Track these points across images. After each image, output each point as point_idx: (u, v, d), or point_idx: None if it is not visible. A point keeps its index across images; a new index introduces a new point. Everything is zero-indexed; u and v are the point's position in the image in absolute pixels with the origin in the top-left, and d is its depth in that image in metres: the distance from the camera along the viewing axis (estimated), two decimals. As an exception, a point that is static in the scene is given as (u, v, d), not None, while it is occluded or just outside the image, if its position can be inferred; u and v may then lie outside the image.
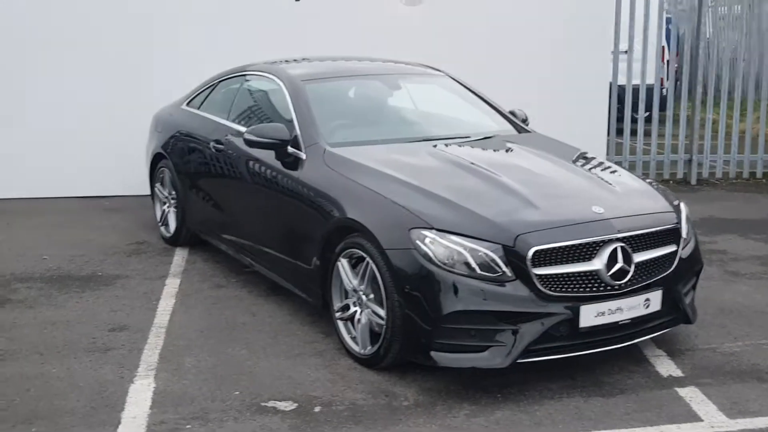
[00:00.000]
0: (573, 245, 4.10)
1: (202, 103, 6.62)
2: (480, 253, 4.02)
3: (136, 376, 4.38)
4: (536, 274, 4.02)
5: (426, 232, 4.10)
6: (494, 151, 5.22)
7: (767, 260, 6.62)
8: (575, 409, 4.02)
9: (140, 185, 8.27)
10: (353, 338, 4.55)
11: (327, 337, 4.85)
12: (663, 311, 4.39)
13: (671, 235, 4.47)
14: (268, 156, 5.24)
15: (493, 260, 4.01)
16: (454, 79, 6.16)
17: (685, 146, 10.15)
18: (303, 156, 5.04)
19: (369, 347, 4.40)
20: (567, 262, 4.09)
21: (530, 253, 4.00)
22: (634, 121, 9.94)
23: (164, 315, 5.25)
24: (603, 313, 4.13)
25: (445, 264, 4.03)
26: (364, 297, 4.42)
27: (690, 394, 4.20)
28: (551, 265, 4.05)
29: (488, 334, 4.05)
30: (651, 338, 4.61)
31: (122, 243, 6.92)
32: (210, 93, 6.59)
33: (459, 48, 8.60)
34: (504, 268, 4.01)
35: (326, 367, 4.49)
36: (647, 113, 9.96)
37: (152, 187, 7.06)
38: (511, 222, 4.13)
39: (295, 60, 6.24)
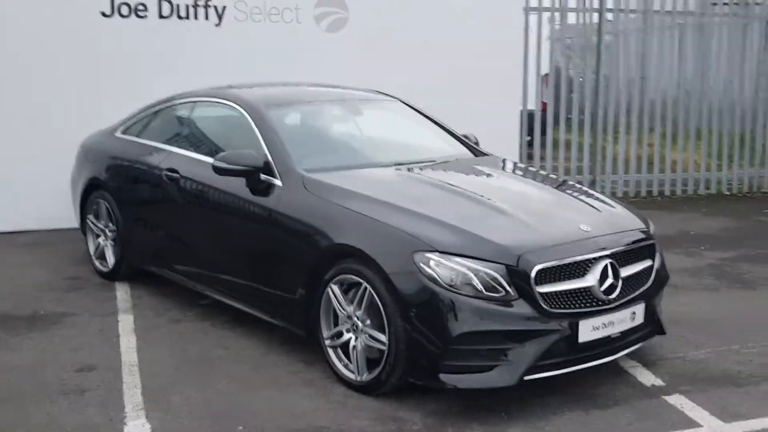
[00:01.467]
0: (571, 263, 4.22)
1: (142, 131, 6.40)
2: (484, 274, 4.08)
3: (126, 417, 4.18)
4: (539, 292, 4.11)
5: (430, 255, 4.12)
6: (471, 174, 5.30)
7: (695, 272, 6.99)
8: (581, 423, 4.13)
9: (57, 218, 8.00)
10: (345, 365, 4.50)
11: (310, 366, 4.78)
12: (644, 323, 4.57)
13: (648, 250, 4.68)
14: (237, 184, 5.13)
15: (497, 280, 4.08)
16: (405, 104, 6.23)
17: (589, 167, 10.60)
18: (278, 183, 4.96)
19: (366, 374, 4.37)
20: (565, 279, 4.20)
21: (534, 271, 4.09)
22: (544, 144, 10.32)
23: (130, 353, 5.04)
24: (598, 328, 4.26)
25: (450, 286, 4.06)
26: (359, 323, 4.39)
27: (678, 401, 4.39)
28: (551, 282, 4.16)
29: (495, 353, 4.10)
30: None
31: (53, 279, 6.59)
32: (150, 120, 6.39)
33: (380, 73, 8.65)
34: (508, 288, 4.08)
35: (321, 396, 4.42)
36: (528, 137, 10.34)
37: (83, 219, 6.75)
38: (512, 242, 4.21)
39: (245, 86, 6.14)
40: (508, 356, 4.10)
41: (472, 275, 4.07)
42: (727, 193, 11.20)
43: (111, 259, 6.47)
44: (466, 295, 4.05)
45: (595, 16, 10.53)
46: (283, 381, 4.62)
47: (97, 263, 6.63)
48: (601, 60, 10.46)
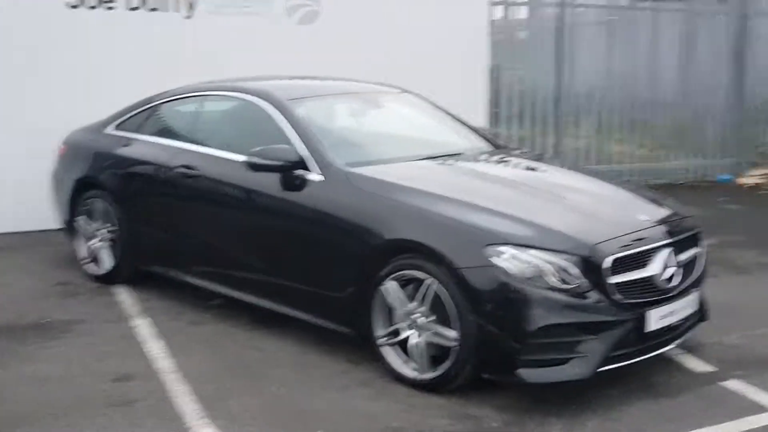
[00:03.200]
0: (638, 253, 4.21)
1: (141, 127, 6.10)
2: (559, 266, 4.03)
3: (191, 428, 3.96)
4: (611, 283, 4.08)
5: (503, 248, 4.05)
6: (511, 166, 5.25)
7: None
8: (653, 412, 4.13)
9: (19, 220, 7.60)
10: (404, 363, 4.39)
11: (358, 365, 4.65)
12: (697, 310, 4.61)
13: (696, 238, 4.72)
14: (267, 180, 4.94)
15: (570, 272, 4.03)
16: (417, 95, 6.13)
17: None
18: (317, 178, 4.80)
19: (430, 371, 4.26)
20: (632, 269, 4.19)
21: (607, 261, 4.06)
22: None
23: (163, 359, 4.79)
24: (664, 317, 4.27)
25: (526, 279, 4.00)
26: (422, 319, 4.28)
27: (738, 387, 4.44)
28: (621, 272, 4.14)
29: (569, 346, 4.06)
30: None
31: (43, 286, 6.22)
32: (150, 116, 6.10)
33: (353, 65, 8.45)
34: (581, 279, 4.04)
35: (383, 396, 4.29)
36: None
37: (71, 221, 6.40)
38: (583, 233, 4.17)
39: (254, 80, 5.92)
40: (582, 348, 4.06)
41: (547, 267, 4.01)
42: (680, 182, 11.46)
43: (108, 262, 6.15)
44: (542, 288, 3.99)
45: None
46: (336, 382, 4.47)
47: (89, 267, 6.30)
48: (562, 55, 10.53)
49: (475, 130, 5.97)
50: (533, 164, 5.39)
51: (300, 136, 5.01)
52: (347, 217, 4.59)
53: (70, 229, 6.51)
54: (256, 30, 8.47)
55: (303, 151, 4.93)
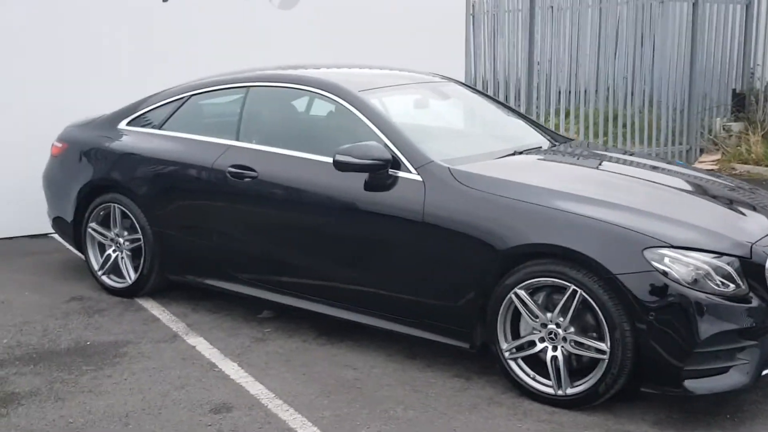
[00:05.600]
0: None
1: (165, 122, 5.48)
2: (721, 268, 3.77)
3: (337, 464, 3.50)
4: None
5: (664, 251, 3.76)
6: (609, 161, 4.96)
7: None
8: (810, 418, 3.95)
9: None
10: (533, 378, 4.05)
11: (470, 381, 4.31)
12: None
13: None
14: (351, 180, 4.49)
15: (731, 275, 3.79)
16: (463, 84, 5.78)
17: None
18: (413, 177, 4.38)
19: (569, 386, 3.94)
20: None
21: None
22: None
23: (251, 384, 4.28)
24: None
25: (689, 284, 3.72)
26: (561, 331, 3.94)
27: None
28: None
29: (731, 354, 3.81)
30: None
31: (54, 301, 5.54)
32: (177, 110, 5.47)
33: (335, 50, 8.00)
34: (741, 282, 3.80)
35: (522, 414, 3.94)
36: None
37: (83, 228, 5.70)
38: (740, 233, 3.93)
39: (301, 67, 5.41)
40: (743, 355, 3.82)
41: (711, 270, 3.75)
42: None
43: (130, 273, 5.51)
44: (706, 293, 3.72)
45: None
46: (462, 401, 4.09)
47: (105, 279, 5.64)
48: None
49: (532, 121, 5.67)
50: (627, 158, 5.13)
51: (384, 132, 4.57)
52: (458, 220, 4.20)
53: (77, 238, 5.80)
54: (235, 14, 7.93)
55: (392, 147, 4.49)
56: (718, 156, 11.74)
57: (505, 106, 5.74)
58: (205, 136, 5.24)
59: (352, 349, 4.71)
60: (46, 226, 7.03)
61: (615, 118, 11.46)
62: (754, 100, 12.18)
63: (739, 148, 11.64)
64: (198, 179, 5.13)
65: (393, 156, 4.45)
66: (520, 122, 5.53)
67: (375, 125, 4.60)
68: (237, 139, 5.10)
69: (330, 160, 4.59)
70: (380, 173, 4.43)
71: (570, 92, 11.22)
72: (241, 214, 4.99)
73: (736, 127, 12.10)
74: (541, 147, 5.07)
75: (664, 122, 11.64)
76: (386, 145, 4.49)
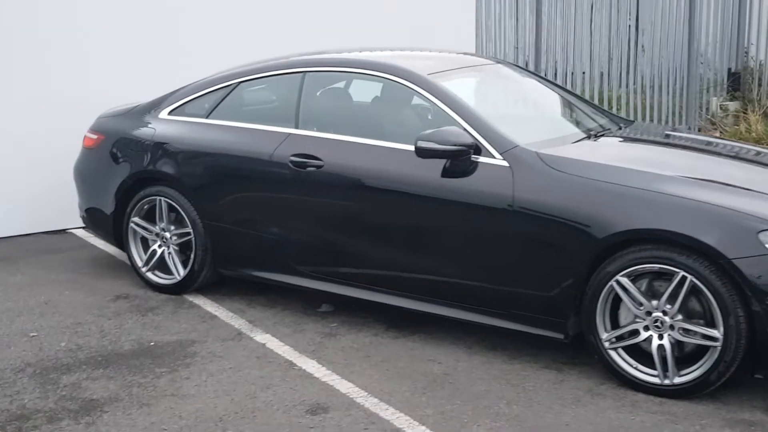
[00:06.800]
0: None
1: (213, 111, 5.24)
2: None
3: (463, 465, 3.36)
4: None
5: None
6: (694, 143, 4.86)
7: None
8: None
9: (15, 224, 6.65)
10: (635, 368, 3.94)
11: (562, 372, 4.19)
12: None
13: None
14: (427, 167, 4.32)
15: None
16: (516, 66, 5.65)
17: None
18: (498, 162, 4.22)
19: (677, 375, 3.83)
20: None
21: None
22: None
23: (338, 382, 4.11)
24: None
25: None
26: (667, 318, 3.83)
27: None
28: None
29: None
30: None
31: (100, 301, 5.30)
32: (225, 98, 5.24)
33: (342, 31, 7.72)
34: None
35: (632, 406, 3.82)
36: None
37: (124, 222, 5.46)
38: None
39: (357, 51, 5.21)
40: None
41: (827, 252, 3.66)
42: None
43: (179, 269, 5.29)
44: (824, 275, 3.63)
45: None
46: (563, 393, 3.96)
47: (150, 275, 5.40)
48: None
49: (581, 100, 5.55)
50: (703, 138, 5.05)
51: (462, 117, 4.40)
52: (552, 206, 4.06)
53: (114, 232, 5.56)
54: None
55: (472, 132, 4.33)
56: (716, 135, 11.77)
57: (560, 87, 5.60)
58: (258, 124, 5.02)
59: (428, 342, 4.56)
60: (62, 222, 6.83)
61: (618, 98, 11.42)
62: (750, 79, 12.23)
63: (737, 127, 11.67)
64: (256, 170, 4.92)
65: (474, 141, 4.29)
66: (580, 104, 5.40)
67: (452, 110, 4.44)
68: (296, 127, 4.89)
69: (402, 146, 4.46)
70: (463, 159, 4.27)
71: (573, 74, 11.16)
72: (305, 205, 4.80)
73: (732, 106, 12.15)
74: (611, 129, 4.95)
75: (665, 103, 11.64)
76: (466, 130, 4.33)
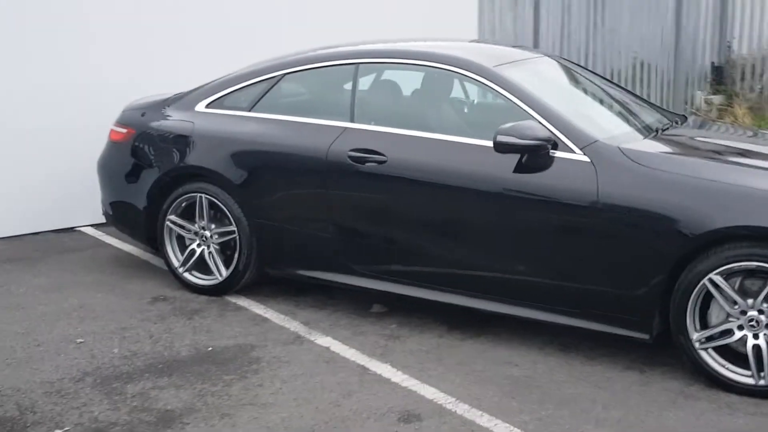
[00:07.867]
0: None
1: (256, 104, 5.02)
2: None
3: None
4: None
5: None
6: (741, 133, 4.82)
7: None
8: None
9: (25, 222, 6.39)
10: (726, 368, 3.86)
11: (645, 374, 4.09)
12: None
13: None
14: (501, 163, 4.19)
15: None
16: (563, 59, 5.53)
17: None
18: (578, 157, 4.10)
19: (770, 375, 3.77)
20: None
21: None
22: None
23: (420, 387, 3.95)
24: None
25: None
26: (763, 318, 3.76)
27: None
28: None
29: None
30: None
31: (138, 303, 5.06)
32: (268, 90, 5.01)
33: (341, 21, 7.56)
34: None
35: (729, 408, 3.74)
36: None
37: (159, 221, 5.20)
38: None
39: (406, 41, 5.04)
40: None
41: None
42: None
43: (221, 269, 5.06)
44: None
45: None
46: (655, 397, 3.86)
47: (188, 276, 5.17)
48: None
49: (632, 94, 5.47)
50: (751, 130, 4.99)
51: (537, 111, 4.27)
52: (640, 202, 3.94)
53: (146, 230, 5.31)
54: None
55: (549, 126, 4.20)
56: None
57: (609, 81, 5.50)
58: (309, 117, 4.82)
59: (498, 344, 4.43)
60: (71, 220, 6.55)
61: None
62: (732, 73, 12.35)
63: (723, 120, 11.77)
64: (308, 165, 4.72)
65: (551, 135, 4.16)
66: (632, 98, 5.30)
67: (526, 104, 4.30)
68: (352, 121, 4.70)
69: (471, 141, 4.33)
70: (541, 154, 4.14)
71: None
72: (365, 202, 4.62)
73: (716, 99, 12.25)
74: (672, 124, 4.86)
75: (652, 97, 11.69)
76: (542, 125, 4.20)
